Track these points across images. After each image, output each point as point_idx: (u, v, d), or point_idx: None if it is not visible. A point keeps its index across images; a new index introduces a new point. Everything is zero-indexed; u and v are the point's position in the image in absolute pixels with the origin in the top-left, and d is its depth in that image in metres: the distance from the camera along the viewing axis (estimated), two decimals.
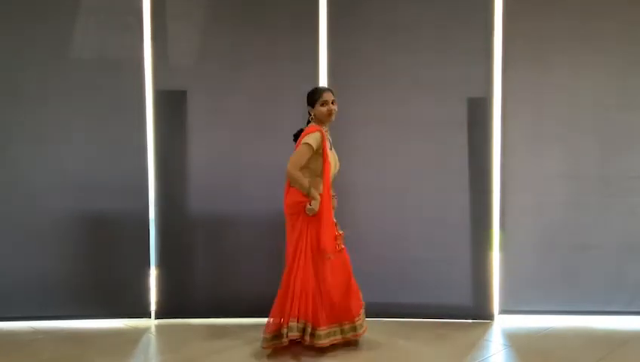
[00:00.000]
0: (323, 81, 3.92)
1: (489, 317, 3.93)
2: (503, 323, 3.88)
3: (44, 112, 3.87)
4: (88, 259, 3.91)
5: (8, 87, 3.86)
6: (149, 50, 3.90)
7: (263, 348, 3.30)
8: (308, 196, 3.27)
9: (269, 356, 3.29)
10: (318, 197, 3.27)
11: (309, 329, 3.25)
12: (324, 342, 3.25)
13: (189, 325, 3.86)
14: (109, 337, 3.65)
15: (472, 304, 3.94)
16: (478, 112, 3.92)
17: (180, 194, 3.97)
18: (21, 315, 3.89)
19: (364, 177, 3.94)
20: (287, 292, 3.27)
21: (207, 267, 3.97)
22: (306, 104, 3.44)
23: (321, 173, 3.31)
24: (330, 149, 3.40)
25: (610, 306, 3.92)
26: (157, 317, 3.95)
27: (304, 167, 3.29)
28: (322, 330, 3.26)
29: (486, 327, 3.82)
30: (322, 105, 3.35)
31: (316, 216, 3.27)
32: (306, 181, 3.27)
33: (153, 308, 3.96)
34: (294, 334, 3.24)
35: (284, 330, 3.24)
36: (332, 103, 3.36)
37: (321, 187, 3.30)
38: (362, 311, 3.47)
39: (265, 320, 3.35)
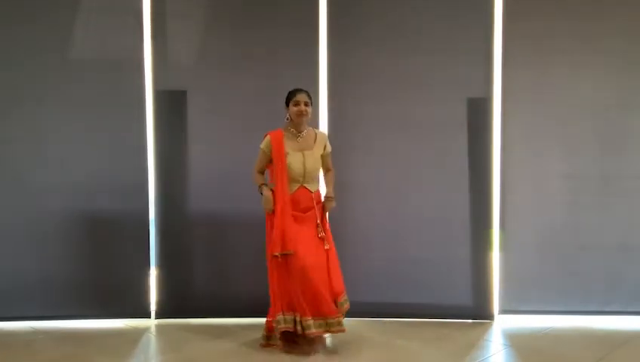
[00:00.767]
0: (323, 82, 3.92)
1: (489, 317, 3.93)
2: (503, 323, 3.88)
3: (44, 112, 3.87)
4: (88, 259, 3.91)
5: (8, 87, 3.86)
6: (149, 50, 3.90)
7: (261, 345, 3.37)
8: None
9: (268, 354, 3.29)
10: (267, 193, 3.37)
11: (298, 319, 3.27)
12: (313, 331, 3.26)
13: (189, 325, 3.86)
14: (109, 337, 3.65)
15: (472, 304, 3.94)
16: (478, 112, 3.92)
17: (180, 194, 3.97)
18: (21, 315, 3.89)
19: (364, 177, 3.94)
20: (270, 291, 3.36)
21: (207, 267, 3.98)
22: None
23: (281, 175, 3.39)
24: (300, 151, 3.40)
25: (610, 306, 3.92)
26: (157, 317, 3.95)
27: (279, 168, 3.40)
28: (309, 320, 3.26)
29: (486, 327, 3.82)
30: (295, 105, 3.40)
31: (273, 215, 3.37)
32: (257, 179, 3.46)
33: (153, 308, 3.96)
34: (284, 326, 3.27)
35: (275, 325, 3.29)
36: (304, 105, 3.39)
37: (292, 186, 3.37)
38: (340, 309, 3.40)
39: (264, 319, 3.40)
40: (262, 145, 3.44)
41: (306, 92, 3.44)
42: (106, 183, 3.89)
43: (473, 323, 3.90)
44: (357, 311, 3.76)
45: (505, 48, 3.87)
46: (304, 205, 3.40)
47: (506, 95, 3.89)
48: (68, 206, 3.88)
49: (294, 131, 3.44)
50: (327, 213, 3.54)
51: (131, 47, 3.89)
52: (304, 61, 3.94)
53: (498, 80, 3.89)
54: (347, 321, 3.43)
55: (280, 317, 3.28)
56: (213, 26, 3.98)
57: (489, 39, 3.89)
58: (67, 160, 3.88)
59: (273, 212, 3.36)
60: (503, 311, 3.94)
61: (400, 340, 3.55)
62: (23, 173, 3.87)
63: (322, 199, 3.52)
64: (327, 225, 3.53)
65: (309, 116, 3.44)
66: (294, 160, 3.38)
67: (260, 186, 3.44)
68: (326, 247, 3.38)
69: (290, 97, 3.43)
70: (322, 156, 3.50)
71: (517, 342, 3.55)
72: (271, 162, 3.43)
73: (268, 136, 3.45)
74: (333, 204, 3.51)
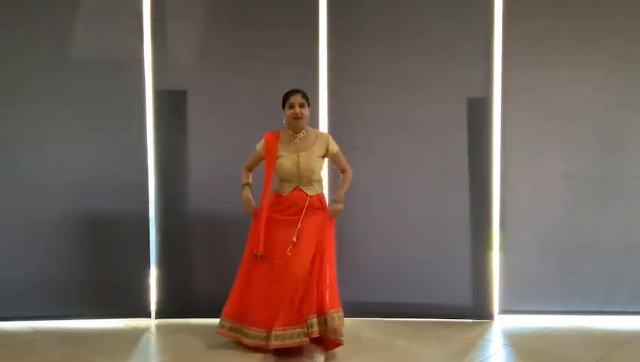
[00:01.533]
0: (323, 82, 3.92)
1: (489, 317, 3.93)
2: (503, 323, 3.88)
3: (44, 112, 3.87)
4: (88, 259, 3.91)
5: (8, 87, 3.85)
6: (149, 50, 3.90)
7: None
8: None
9: (269, 355, 3.29)
10: (244, 195, 3.42)
11: (263, 335, 3.27)
12: (249, 341, 3.30)
13: (189, 325, 3.86)
14: (109, 337, 3.65)
15: (472, 304, 3.94)
16: (478, 112, 3.92)
17: (180, 194, 3.97)
18: (21, 315, 3.88)
19: (364, 177, 3.93)
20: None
21: (207, 267, 3.97)
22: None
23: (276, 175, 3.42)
24: (295, 152, 3.36)
25: (610, 306, 3.91)
26: (157, 317, 3.95)
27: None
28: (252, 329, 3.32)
29: (486, 327, 3.82)
30: (289, 107, 3.36)
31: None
32: (243, 177, 3.49)
33: (153, 308, 3.96)
34: (254, 342, 3.30)
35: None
36: (299, 106, 3.33)
37: (286, 187, 3.38)
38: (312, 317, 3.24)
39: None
40: (257, 145, 3.46)
41: (302, 92, 3.37)
42: (106, 183, 3.88)
43: (473, 323, 3.90)
44: (357, 311, 3.77)
45: (505, 48, 3.87)
46: (297, 207, 3.34)
47: (506, 95, 3.89)
48: (68, 206, 3.88)
49: (291, 133, 3.42)
50: (335, 220, 3.42)
51: (131, 47, 3.89)
52: (304, 61, 3.94)
53: (498, 80, 3.89)
54: (347, 321, 3.41)
55: (224, 321, 3.40)
56: (213, 26, 3.98)
57: (489, 39, 3.89)
58: (67, 160, 3.88)
59: (253, 213, 3.41)
60: (503, 311, 3.94)
61: (400, 340, 3.55)
62: (23, 173, 3.87)
63: (327, 203, 3.45)
64: (332, 232, 3.41)
65: (306, 117, 3.39)
66: (287, 161, 3.34)
67: (242, 186, 3.46)
68: (288, 251, 3.22)
69: (284, 100, 3.39)
70: (330, 157, 3.46)
71: (517, 341, 3.55)
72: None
73: (263, 139, 3.45)
74: (338, 208, 3.37)
